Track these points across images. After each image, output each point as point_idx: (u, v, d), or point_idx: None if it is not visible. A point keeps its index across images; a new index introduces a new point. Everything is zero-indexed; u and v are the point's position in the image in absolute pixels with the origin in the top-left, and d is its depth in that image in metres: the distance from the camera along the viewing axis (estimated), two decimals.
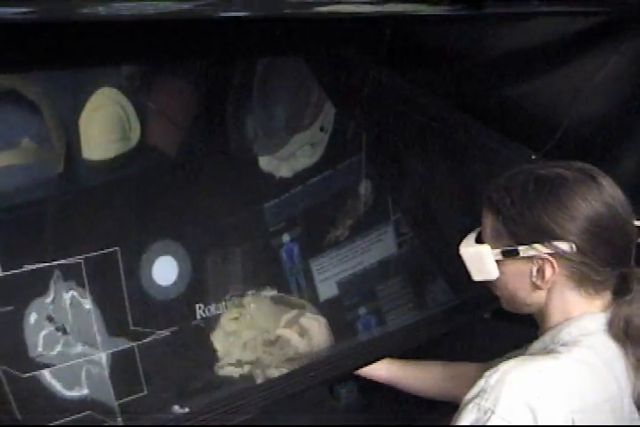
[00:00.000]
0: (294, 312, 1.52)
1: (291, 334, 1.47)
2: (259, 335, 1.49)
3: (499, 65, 1.54)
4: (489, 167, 1.69)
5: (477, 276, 1.09)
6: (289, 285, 1.59)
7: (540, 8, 1.21)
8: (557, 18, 1.43)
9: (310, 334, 1.47)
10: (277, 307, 1.54)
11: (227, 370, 1.43)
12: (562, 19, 1.43)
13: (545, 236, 1.01)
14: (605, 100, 1.51)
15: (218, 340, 1.44)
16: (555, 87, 1.53)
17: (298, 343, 1.46)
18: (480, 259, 1.07)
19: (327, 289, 1.66)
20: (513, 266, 1.05)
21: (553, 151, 1.60)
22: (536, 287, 1.04)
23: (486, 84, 1.57)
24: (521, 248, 1.02)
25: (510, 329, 1.62)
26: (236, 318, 1.48)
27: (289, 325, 1.49)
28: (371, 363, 1.47)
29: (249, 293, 1.50)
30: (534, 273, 1.03)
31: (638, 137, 1.53)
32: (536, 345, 1.07)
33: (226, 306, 1.44)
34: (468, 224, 1.15)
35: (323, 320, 1.51)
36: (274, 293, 1.55)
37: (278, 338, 1.48)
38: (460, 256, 1.10)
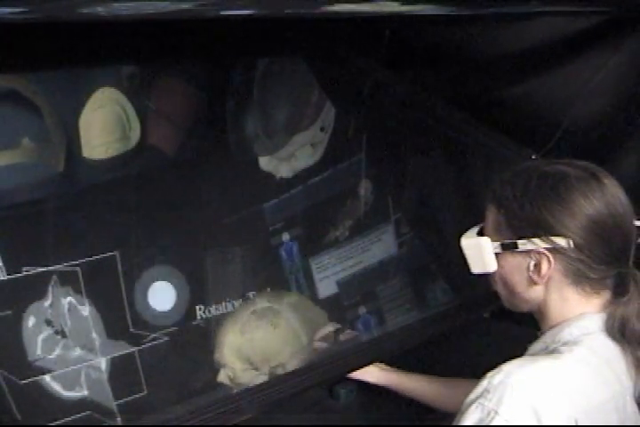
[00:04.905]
0: (330, 327, 1.56)
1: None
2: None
3: (499, 65, 1.54)
4: (489, 167, 1.69)
5: (475, 268, 1.09)
6: (289, 283, 1.59)
7: (540, 8, 1.21)
8: (557, 18, 1.43)
9: None
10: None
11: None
12: (562, 19, 1.43)
13: (543, 230, 1.01)
14: (605, 100, 1.51)
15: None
16: (555, 87, 1.53)
17: None
18: (479, 251, 1.07)
19: (327, 288, 1.66)
20: (511, 259, 1.05)
21: (553, 151, 1.60)
22: (533, 282, 1.04)
23: (486, 83, 1.57)
24: (520, 242, 1.03)
25: (510, 329, 1.62)
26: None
27: (324, 339, 1.53)
28: (371, 363, 1.47)
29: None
30: (531, 267, 1.03)
31: (638, 137, 1.53)
32: (536, 346, 1.06)
33: (226, 306, 1.44)
34: (468, 224, 1.14)
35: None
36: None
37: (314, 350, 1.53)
38: (460, 248, 1.10)
